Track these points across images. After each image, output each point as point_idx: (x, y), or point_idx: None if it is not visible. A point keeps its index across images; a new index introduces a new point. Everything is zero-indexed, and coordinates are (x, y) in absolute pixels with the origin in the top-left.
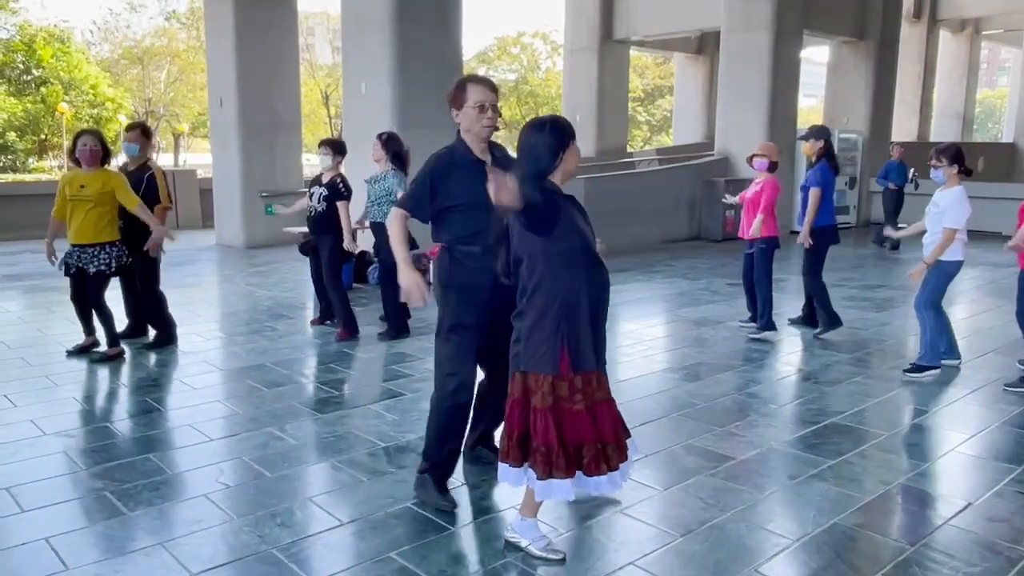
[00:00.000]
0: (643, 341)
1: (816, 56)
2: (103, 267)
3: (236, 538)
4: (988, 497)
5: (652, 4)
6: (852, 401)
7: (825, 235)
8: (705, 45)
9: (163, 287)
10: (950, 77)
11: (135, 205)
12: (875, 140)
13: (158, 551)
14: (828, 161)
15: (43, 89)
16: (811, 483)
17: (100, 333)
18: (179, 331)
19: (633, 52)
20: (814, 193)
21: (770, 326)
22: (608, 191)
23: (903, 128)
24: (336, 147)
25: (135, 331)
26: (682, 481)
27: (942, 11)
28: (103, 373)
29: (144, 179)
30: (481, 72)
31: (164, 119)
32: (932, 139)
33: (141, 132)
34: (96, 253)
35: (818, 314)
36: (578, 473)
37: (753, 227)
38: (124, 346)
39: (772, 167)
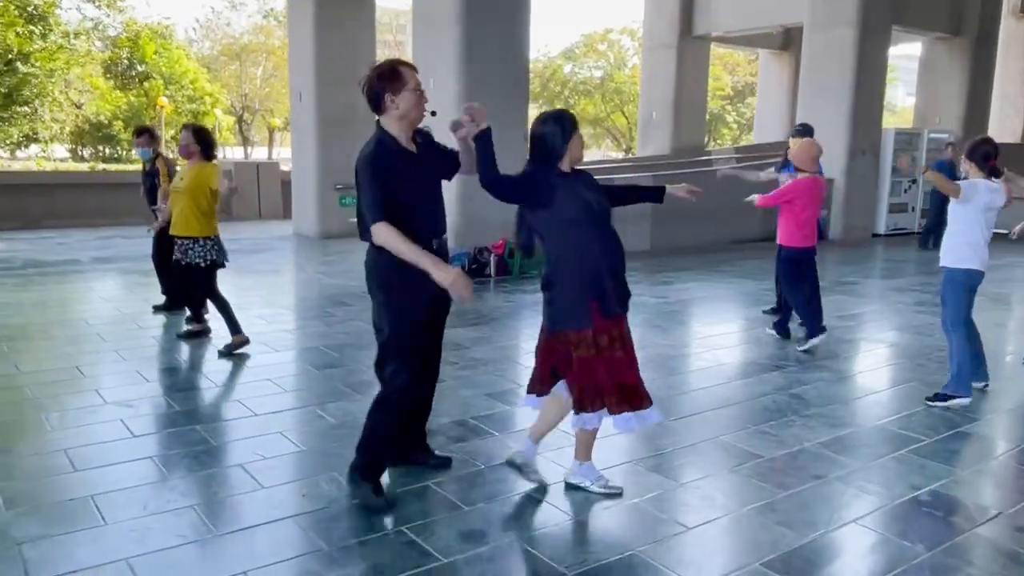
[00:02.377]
0: (695, 340)
1: (918, 52)
2: (197, 260)
3: (262, 505)
4: (1022, 508)
5: None
6: (899, 406)
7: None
8: (791, 41)
9: (240, 273)
10: None
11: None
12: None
13: (188, 512)
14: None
15: (145, 84)
16: (835, 484)
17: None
18: (243, 313)
19: (724, 49)
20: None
21: (814, 331)
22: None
23: (1006, 129)
24: None
25: (172, 305)
26: (702, 476)
27: None
28: (169, 349)
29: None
30: (567, 69)
31: (259, 114)
32: None
33: (150, 136)
34: (189, 246)
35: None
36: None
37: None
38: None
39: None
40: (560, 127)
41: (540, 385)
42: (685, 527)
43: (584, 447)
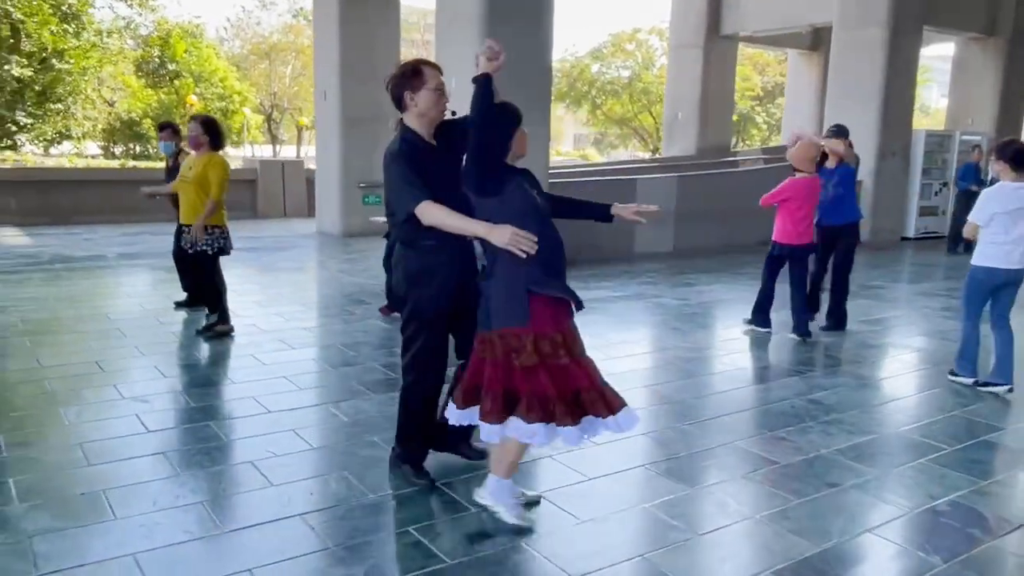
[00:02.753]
0: (714, 343)
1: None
2: (204, 248)
3: (270, 503)
4: None
5: None
6: (922, 413)
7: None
8: (820, 41)
9: (262, 270)
10: None
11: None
12: None
13: (197, 508)
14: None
15: (176, 82)
16: (851, 492)
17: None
18: (263, 310)
19: (752, 48)
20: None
21: (763, 323)
22: (703, 190)
23: None
24: None
25: (193, 302)
26: (714, 481)
27: None
28: (187, 346)
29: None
30: (595, 69)
31: (288, 112)
32: None
33: (172, 131)
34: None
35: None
36: (586, 418)
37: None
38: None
39: (793, 171)
40: (507, 124)
41: (497, 409)
42: (696, 533)
43: (505, 458)
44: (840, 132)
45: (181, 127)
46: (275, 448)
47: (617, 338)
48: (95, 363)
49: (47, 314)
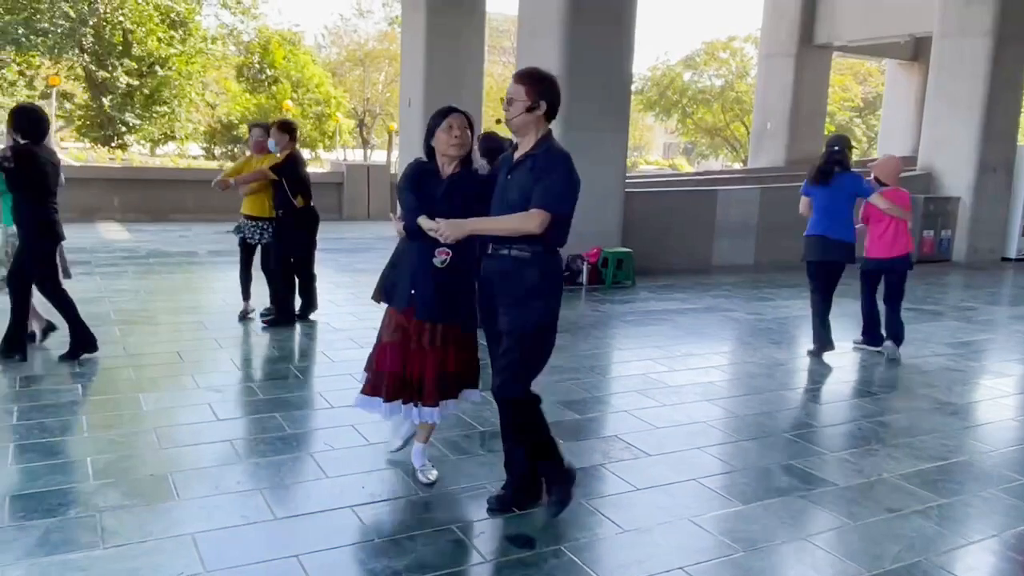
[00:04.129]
0: (784, 360)
1: None
2: (257, 239)
3: (324, 494)
4: None
5: (860, 6)
6: (999, 441)
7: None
8: (920, 51)
9: (339, 270)
10: None
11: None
12: None
13: (255, 495)
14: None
15: (274, 87)
16: (911, 519)
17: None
18: (337, 309)
19: (847, 59)
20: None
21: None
22: (784, 203)
23: None
24: None
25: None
26: (766, 499)
27: None
28: (263, 340)
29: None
30: (686, 77)
31: (380, 118)
32: None
33: (278, 129)
34: (251, 225)
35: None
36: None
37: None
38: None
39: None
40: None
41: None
42: (742, 550)
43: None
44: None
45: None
46: (334, 442)
47: (682, 350)
48: (176, 353)
49: (138, 305)
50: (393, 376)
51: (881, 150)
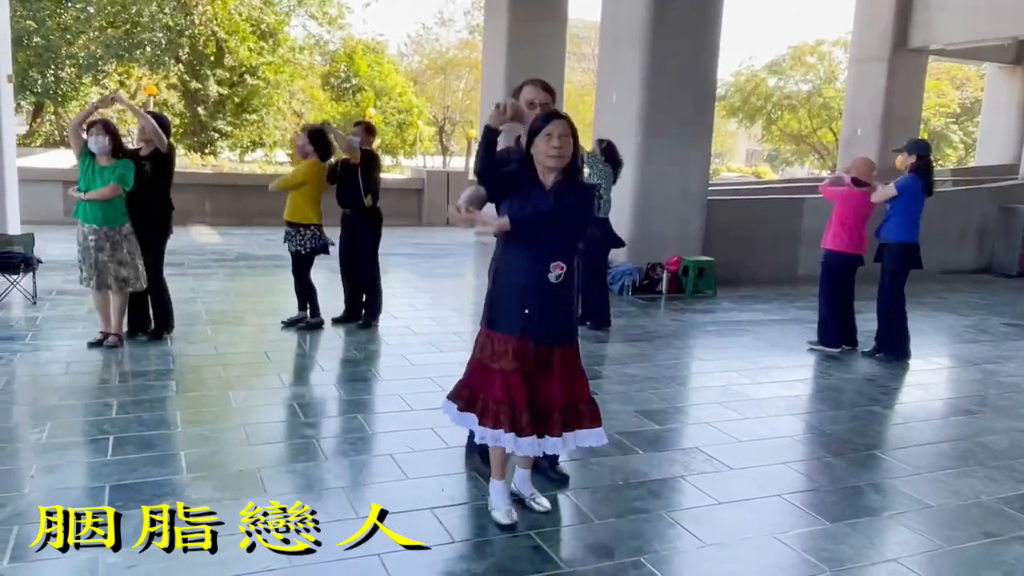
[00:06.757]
0: (875, 374)
1: None
2: (298, 248)
3: (404, 494)
4: None
5: (958, 8)
6: None
7: (908, 253)
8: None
9: (420, 275)
10: None
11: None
12: None
13: (338, 493)
14: (919, 177)
15: (358, 96)
16: (1011, 544)
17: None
18: (416, 314)
19: (944, 62)
20: (886, 192)
21: (828, 342)
22: (873, 212)
23: None
24: None
25: (351, 316)
26: (854, 518)
27: None
28: (345, 343)
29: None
30: (771, 83)
31: (459, 125)
32: None
33: (363, 130)
34: (294, 233)
35: (879, 335)
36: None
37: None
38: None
39: (855, 183)
40: (533, 122)
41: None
42: (827, 569)
43: (493, 462)
44: (914, 147)
45: (374, 127)
46: (414, 444)
47: (765, 362)
48: (264, 353)
49: (228, 306)
50: (524, 408)
51: (980, 157)
